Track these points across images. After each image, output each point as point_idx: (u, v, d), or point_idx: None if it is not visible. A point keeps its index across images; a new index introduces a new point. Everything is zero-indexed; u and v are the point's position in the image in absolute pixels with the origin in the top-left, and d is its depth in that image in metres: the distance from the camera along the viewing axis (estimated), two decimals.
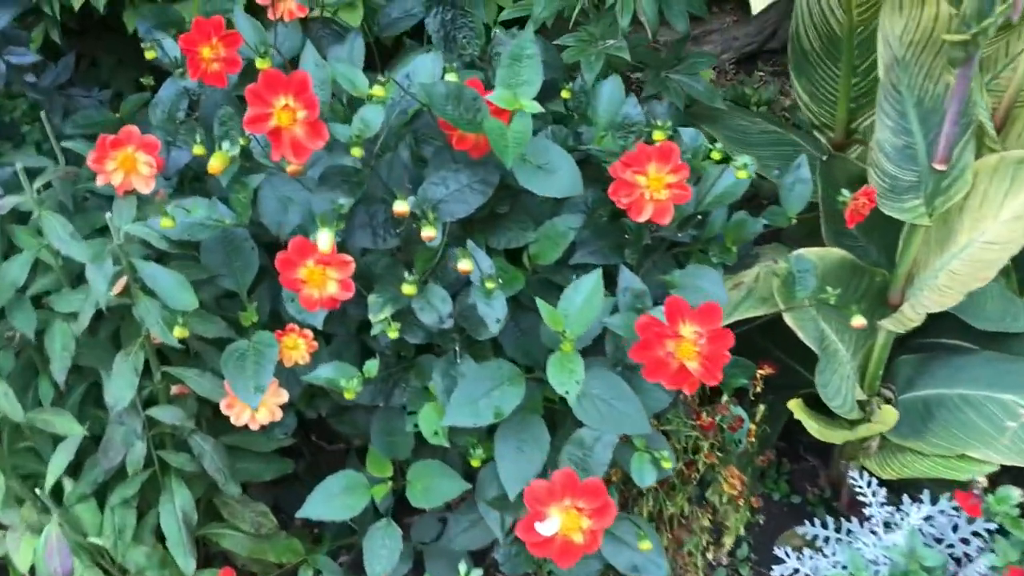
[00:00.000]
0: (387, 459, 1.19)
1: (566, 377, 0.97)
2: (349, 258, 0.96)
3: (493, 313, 1.01)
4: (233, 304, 1.15)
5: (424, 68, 1.03)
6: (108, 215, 1.03)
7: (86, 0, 1.34)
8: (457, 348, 1.10)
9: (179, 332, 1.04)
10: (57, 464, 1.11)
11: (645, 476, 1.07)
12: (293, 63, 1.13)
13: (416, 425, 1.15)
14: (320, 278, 0.96)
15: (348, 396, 1.03)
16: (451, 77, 1.04)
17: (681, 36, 1.44)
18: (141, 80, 1.32)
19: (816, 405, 1.30)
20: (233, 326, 1.12)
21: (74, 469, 1.18)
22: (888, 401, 1.36)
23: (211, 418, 1.22)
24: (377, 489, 1.16)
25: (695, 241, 1.17)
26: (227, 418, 1.11)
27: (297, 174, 0.98)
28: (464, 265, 1.00)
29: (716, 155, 1.11)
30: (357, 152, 0.95)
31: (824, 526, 1.28)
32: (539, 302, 0.98)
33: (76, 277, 1.13)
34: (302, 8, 1.19)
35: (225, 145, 0.94)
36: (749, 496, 1.32)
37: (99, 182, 1.06)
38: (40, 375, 1.16)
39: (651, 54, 1.46)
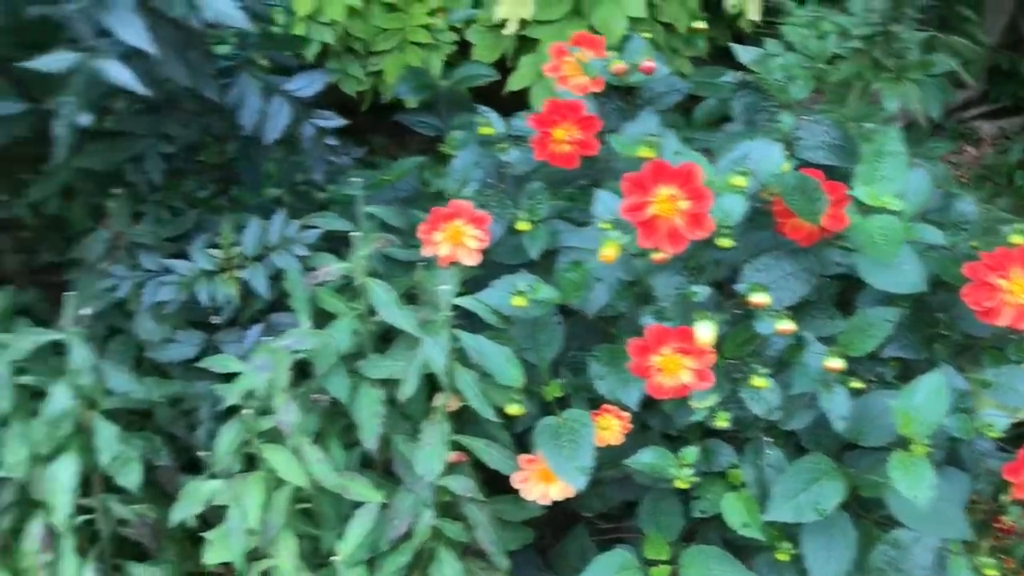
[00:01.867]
0: (664, 541, 1.17)
1: (916, 482, 0.95)
2: (709, 348, 0.95)
3: (836, 409, 1.00)
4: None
5: (766, 156, 1.03)
6: (441, 287, 1.03)
7: None
8: (762, 436, 1.09)
9: (515, 410, 1.03)
10: (356, 531, 1.10)
11: None
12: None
13: (703, 511, 1.13)
14: (675, 366, 0.95)
15: (680, 485, 1.01)
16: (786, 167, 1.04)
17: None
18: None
19: None
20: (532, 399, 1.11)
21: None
22: None
23: None
24: (656, 572, 1.14)
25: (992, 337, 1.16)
26: None
27: (663, 262, 0.97)
28: (784, 325, 0.98)
29: None
30: (727, 243, 0.95)
31: None
32: (893, 404, 0.96)
33: (379, 341, 1.13)
34: (598, 82, 1.20)
35: (614, 235, 0.94)
36: None
37: (425, 252, 1.06)
38: (330, 438, 1.15)
39: None
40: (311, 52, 1.85)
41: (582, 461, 1.03)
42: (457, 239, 1.04)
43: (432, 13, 1.94)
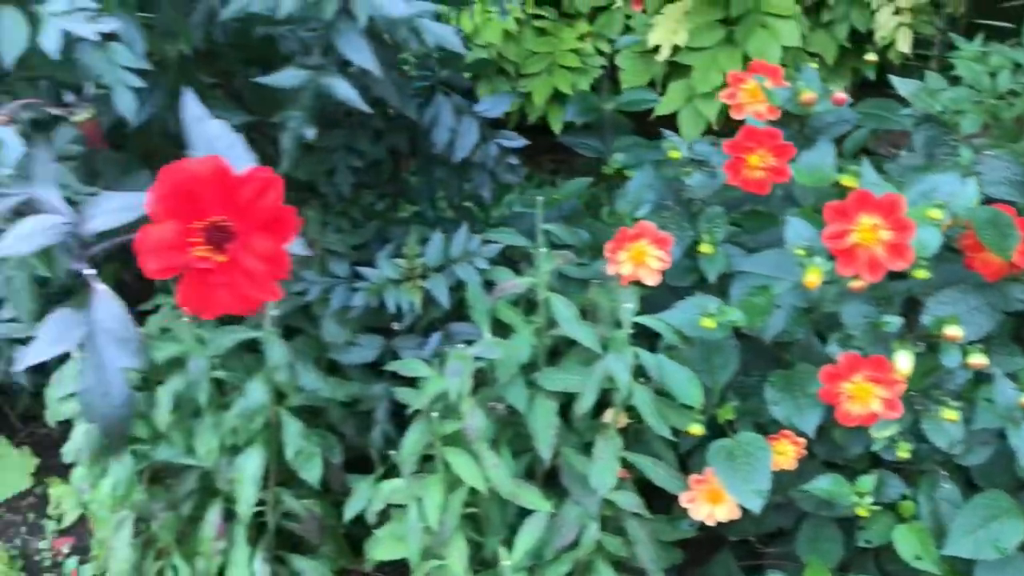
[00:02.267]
0: (826, 569, 1.17)
1: None
2: (902, 378, 0.95)
3: None
4: None
5: (957, 190, 1.03)
6: (624, 306, 1.06)
7: None
8: (938, 469, 1.08)
9: (696, 430, 1.05)
10: (526, 539, 1.13)
11: None
12: None
13: (868, 541, 1.13)
14: (866, 395, 0.95)
15: (861, 513, 1.01)
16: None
17: None
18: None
19: None
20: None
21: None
22: None
23: None
24: None
25: None
26: None
27: (860, 290, 0.98)
28: (977, 359, 0.98)
29: None
30: (923, 274, 0.95)
31: None
32: None
33: (550, 355, 1.16)
34: (774, 110, 1.22)
35: (818, 261, 0.95)
36: None
37: (608, 270, 1.10)
38: (501, 445, 1.18)
39: None
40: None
41: (759, 484, 1.04)
42: (640, 259, 1.07)
43: (582, 37, 1.98)
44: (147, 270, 0.49)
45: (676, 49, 1.85)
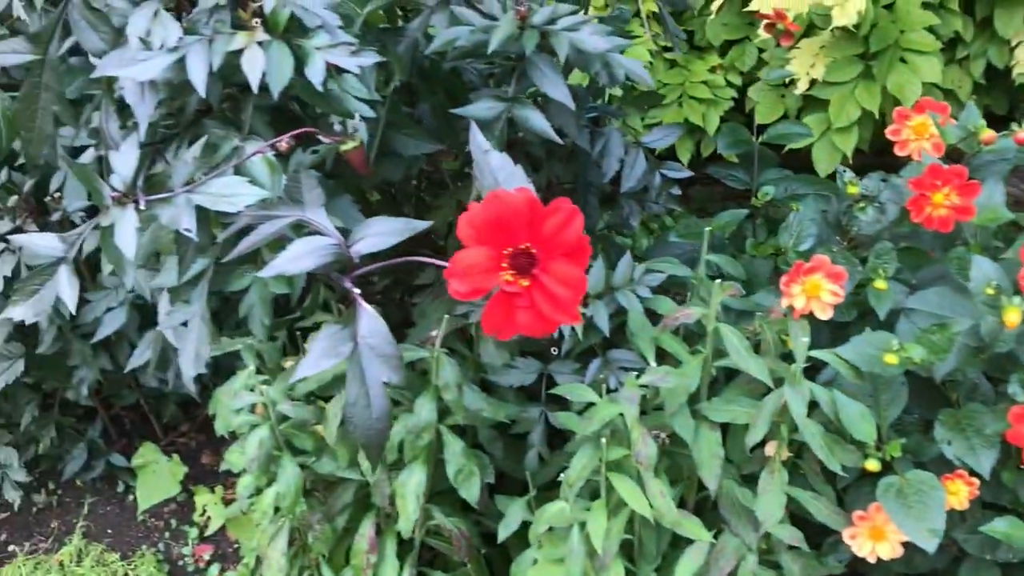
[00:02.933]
0: None
1: None
2: None
3: None
4: None
5: None
6: (799, 339, 1.06)
7: None
8: None
9: (872, 465, 1.05)
10: (686, 568, 1.14)
11: None
12: None
13: None
14: None
15: None
16: None
17: None
18: None
19: None
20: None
21: None
22: None
23: None
24: None
25: None
26: None
27: None
28: None
29: None
30: None
31: None
32: None
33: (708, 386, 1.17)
34: (939, 147, 1.21)
35: (1017, 300, 0.95)
36: None
37: (782, 304, 1.10)
38: (660, 474, 1.19)
39: None
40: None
41: (934, 523, 1.03)
42: (814, 293, 1.07)
43: (712, 69, 2.00)
44: (456, 292, 0.52)
45: (813, 83, 1.85)
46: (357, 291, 0.65)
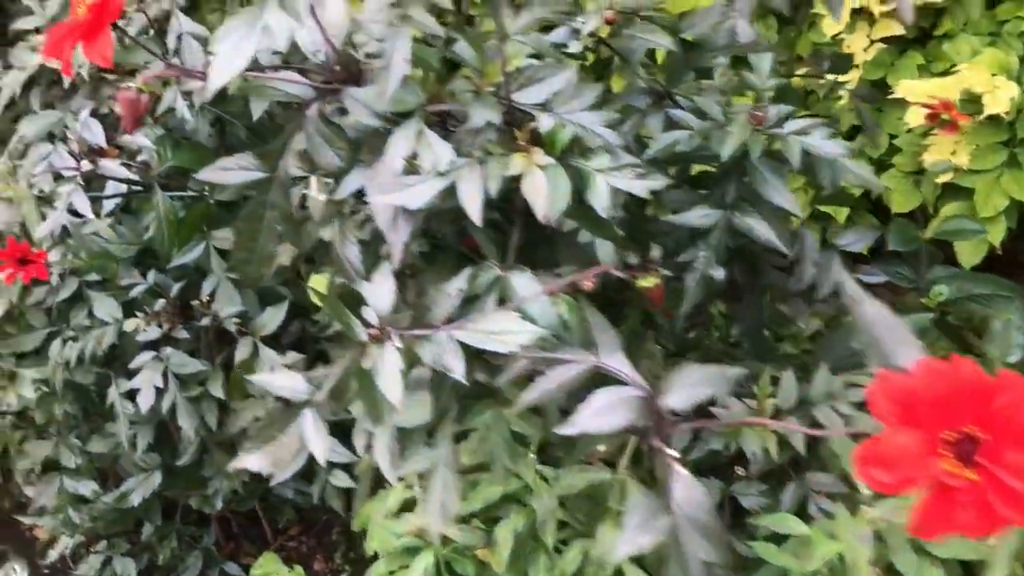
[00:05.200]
0: None
1: None
2: None
3: None
4: None
5: None
6: None
7: None
8: None
9: None
10: None
11: None
12: None
13: None
14: None
15: None
16: None
17: None
18: None
19: None
20: None
21: None
22: None
23: None
24: None
25: None
26: None
27: None
28: None
29: None
30: None
31: None
32: None
33: None
34: None
35: None
36: None
37: None
38: None
39: None
40: None
41: None
42: None
43: None
44: (873, 481, 0.43)
45: (956, 171, 1.77)
46: (673, 453, 0.57)
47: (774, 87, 0.96)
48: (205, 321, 1.20)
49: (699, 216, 0.93)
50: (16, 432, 1.35)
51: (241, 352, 1.18)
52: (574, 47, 0.85)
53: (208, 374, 1.22)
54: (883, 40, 1.89)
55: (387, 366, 0.62)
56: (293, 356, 1.19)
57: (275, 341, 1.25)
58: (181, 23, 1.17)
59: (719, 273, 0.94)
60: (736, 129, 0.87)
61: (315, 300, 1.22)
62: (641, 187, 0.64)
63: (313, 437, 0.65)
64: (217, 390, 1.20)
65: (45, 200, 1.09)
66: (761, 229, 0.92)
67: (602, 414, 0.57)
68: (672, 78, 0.93)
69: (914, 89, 1.69)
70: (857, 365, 1.29)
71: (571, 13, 0.76)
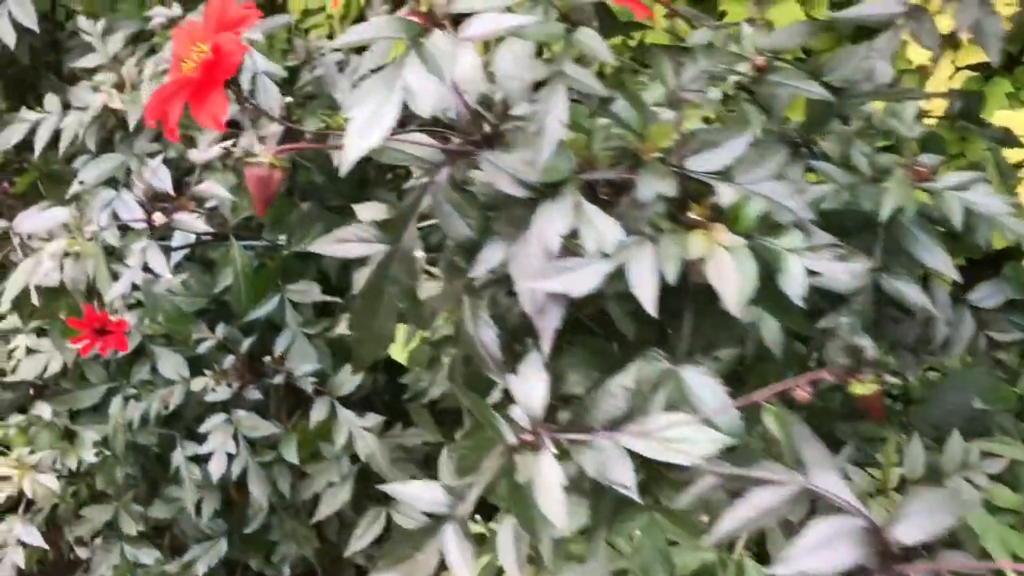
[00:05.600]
0: None
1: None
2: None
3: None
4: None
5: None
6: None
7: None
8: None
9: None
10: None
11: None
12: None
13: None
14: None
15: None
16: None
17: None
18: None
19: None
20: None
21: None
22: None
23: None
24: None
25: None
26: None
27: None
28: None
29: None
30: None
31: None
32: None
33: None
34: None
35: None
36: None
37: None
38: None
39: None
40: None
41: None
42: None
43: None
44: None
45: None
46: None
47: (920, 135, 0.87)
48: (278, 379, 1.12)
49: (845, 279, 0.84)
50: (71, 493, 1.28)
51: (317, 413, 1.09)
52: (712, 95, 0.76)
53: (281, 436, 1.13)
54: (969, 67, 1.80)
55: (547, 480, 0.53)
56: (373, 418, 1.10)
57: (346, 399, 1.17)
58: (256, 61, 1.09)
59: (867, 342, 0.85)
60: (894, 185, 0.78)
61: (397, 358, 1.14)
62: (844, 271, 0.55)
63: (456, 556, 0.56)
64: (291, 454, 1.12)
65: (112, 254, 1.01)
66: (913, 294, 0.83)
67: (821, 550, 0.48)
68: (812, 126, 0.84)
69: (1013, 120, 1.59)
70: (970, 420, 1.20)
71: (735, 62, 0.67)
